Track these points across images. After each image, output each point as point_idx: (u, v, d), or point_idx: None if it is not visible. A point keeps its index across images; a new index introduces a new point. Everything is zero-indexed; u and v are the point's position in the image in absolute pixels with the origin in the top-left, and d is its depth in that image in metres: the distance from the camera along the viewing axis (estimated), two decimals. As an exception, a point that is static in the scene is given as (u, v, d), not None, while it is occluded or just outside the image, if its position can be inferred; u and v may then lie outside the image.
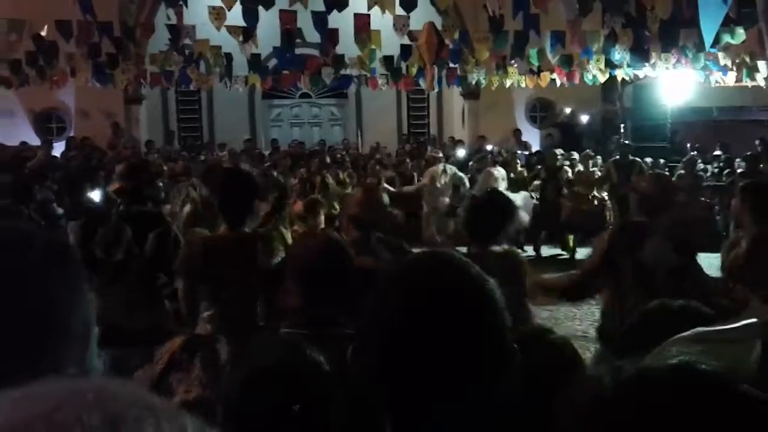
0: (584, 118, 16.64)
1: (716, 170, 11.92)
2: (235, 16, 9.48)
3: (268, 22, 9.98)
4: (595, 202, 9.96)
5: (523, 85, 13.37)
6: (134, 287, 3.94)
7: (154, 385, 2.54)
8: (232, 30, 9.59)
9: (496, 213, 3.63)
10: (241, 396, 1.75)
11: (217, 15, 9.19)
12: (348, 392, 1.71)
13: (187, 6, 9.82)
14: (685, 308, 2.26)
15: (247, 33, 9.57)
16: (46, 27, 10.49)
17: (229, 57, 11.53)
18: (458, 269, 1.03)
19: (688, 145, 13.85)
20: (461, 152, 13.27)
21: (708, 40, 5.96)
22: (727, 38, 9.32)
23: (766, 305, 3.02)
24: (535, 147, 15.61)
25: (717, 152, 13.02)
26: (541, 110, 17.44)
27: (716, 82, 13.01)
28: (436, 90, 13.98)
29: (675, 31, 9.12)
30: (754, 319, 1.14)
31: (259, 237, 3.76)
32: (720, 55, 11.13)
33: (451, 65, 11.92)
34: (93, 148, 13.75)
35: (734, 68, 11.88)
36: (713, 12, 5.13)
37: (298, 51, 11.36)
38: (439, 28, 9.70)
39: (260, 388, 1.75)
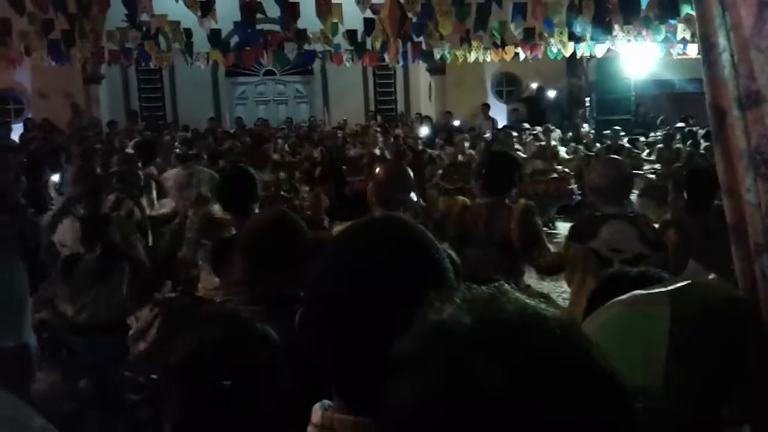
0: (551, 93, 16.75)
1: (680, 141, 12.08)
2: (193, -11, 9.27)
3: (228, -4, 9.81)
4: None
5: (488, 59, 13.36)
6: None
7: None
8: (191, 4, 9.38)
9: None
10: (181, 367, 1.72)
11: (175, -11, 8.97)
12: (296, 365, 1.68)
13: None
14: (643, 273, 2.29)
15: (206, 7, 9.37)
16: None
17: (188, 33, 11.30)
18: (404, 234, 1.00)
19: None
20: (425, 130, 13.21)
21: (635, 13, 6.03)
22: (687, 9, 9.36)
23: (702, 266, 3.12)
24: (502, 122, 15.67)
25: (680, 124, 13.21)
26: (508, 85, 17.50)
27: (679, 54, 13.11)
28: (401, 64, 13.88)
29: (636, 3, 9.14)
30: (676, 285, 1.16)
31: None
32: (680, 27, 11.20)
33: (416, 39, 11.85)
34: (52, 129, 13.46)
35: (695, 40, 11.98)
36: None
37: (260, 26, 11.18)
38: (402, 1, 9.59)
39: (202, 361, 1.71)
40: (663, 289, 1.13)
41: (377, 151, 9.93)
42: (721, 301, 1.15)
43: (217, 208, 4.19)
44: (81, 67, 13.42)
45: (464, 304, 0.66)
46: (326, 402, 0.99)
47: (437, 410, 0.59)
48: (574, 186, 9.66)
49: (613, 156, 4.69)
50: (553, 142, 11.47)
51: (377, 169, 3.59)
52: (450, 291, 0.98)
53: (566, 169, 10.36)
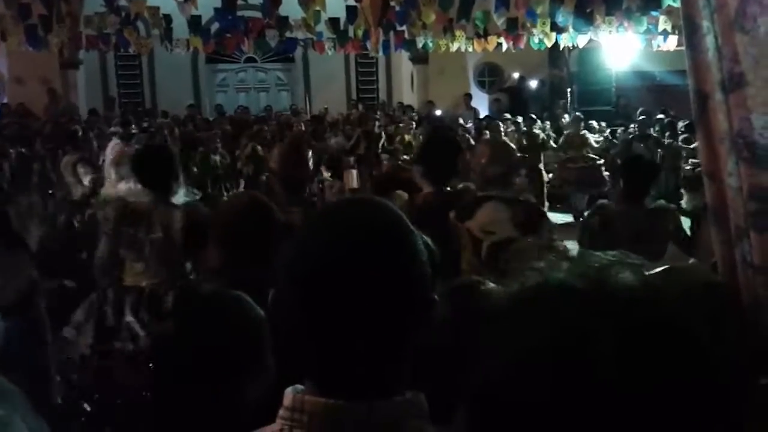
0: (532, 84, 16.78)
1: (658, 133, 12.17)
2: (173, -25, 9.16)
3: (208, -18, 9.70)
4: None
5: (471, 49, 13.35)
6: None
7: None
8: (170, -10, 9.28)
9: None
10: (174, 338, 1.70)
11: (154, -26, 8.86)
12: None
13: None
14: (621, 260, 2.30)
15: (186, -7, 9.28)
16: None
17: (168, 19, 11.16)
18: (378, 217, 0.98)
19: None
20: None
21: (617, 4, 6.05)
22: (669, 1, 9.40)
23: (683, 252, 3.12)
24: (484, 112, 15.68)
25: (660, 116, 13.30)
26: (490, 75, 17.50)
27: (658, 46, 13.18)
28: (380, 53, 13.83)
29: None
30: (656, 270, 1.16)
31: None
32: (661, 18, 11.27)
33: (398, 28, 11.80)
34: (28, 115, 13.25)
35: (676, 32, 12.05)
36: None
37: (240, 13, 11.07)
38: (385, -12, 9.55)
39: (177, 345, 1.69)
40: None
41: (409, 137, 10.09)
42: (701, 285, 1.15)
43: (122, 187, 4.11)
44: (58, 52, 13.19)
45: (578, 267, 0.66)
46: (298, 386, 0.98)
47: (541, 368, 0.59)
48: (605, 174, 9.78)
49: (501, 140, 4.60)
50: (583, 131, 11.40)
51: (276, 151, 3.57)
52: (433, 277, 0.97)
53: (594, 156, 10.44)
